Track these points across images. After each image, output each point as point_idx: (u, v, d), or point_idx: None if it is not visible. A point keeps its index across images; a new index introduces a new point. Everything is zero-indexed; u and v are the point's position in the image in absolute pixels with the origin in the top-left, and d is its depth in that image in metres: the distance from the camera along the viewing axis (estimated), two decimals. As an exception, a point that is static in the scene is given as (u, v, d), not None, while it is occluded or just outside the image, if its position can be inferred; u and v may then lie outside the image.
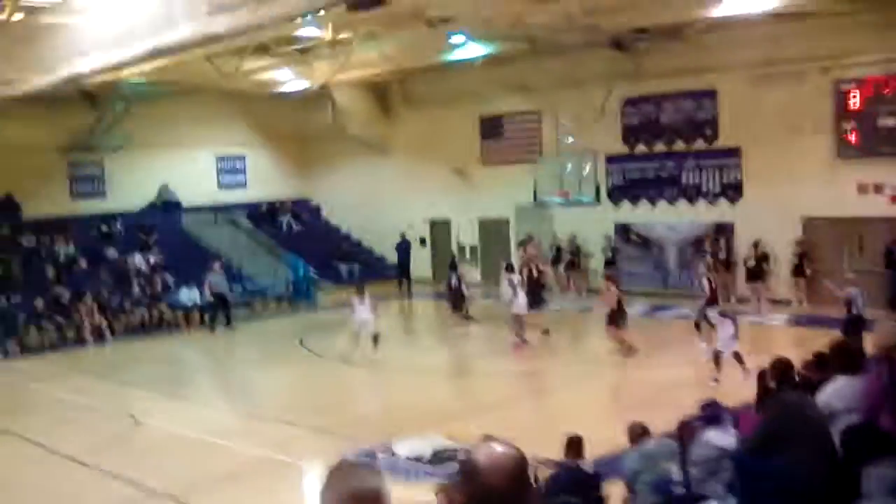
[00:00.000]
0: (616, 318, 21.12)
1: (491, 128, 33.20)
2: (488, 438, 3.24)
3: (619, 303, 21.24)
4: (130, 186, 34.86)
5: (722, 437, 9.80)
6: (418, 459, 14.40)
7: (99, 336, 27.49)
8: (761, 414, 8.64)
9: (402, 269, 34.99)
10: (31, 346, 26.88)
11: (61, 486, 14.04)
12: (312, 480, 14.57)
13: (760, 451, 7.85)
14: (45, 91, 25.65)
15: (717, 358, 17.75)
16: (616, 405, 17.53)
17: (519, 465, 3.19)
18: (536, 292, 23.48)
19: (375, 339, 21.90)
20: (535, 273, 23.88)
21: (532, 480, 4.88)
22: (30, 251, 31.03)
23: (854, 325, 17.23)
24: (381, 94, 35.92)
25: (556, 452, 10.76)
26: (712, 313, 19.66)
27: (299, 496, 13.89)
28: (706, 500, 8.75)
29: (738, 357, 17.53)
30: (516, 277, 23.01)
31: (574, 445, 10.43)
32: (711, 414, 10.30)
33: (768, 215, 25.98)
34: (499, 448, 3.25)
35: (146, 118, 32.60)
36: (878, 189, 24.24)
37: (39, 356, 25.88)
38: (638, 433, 10.52)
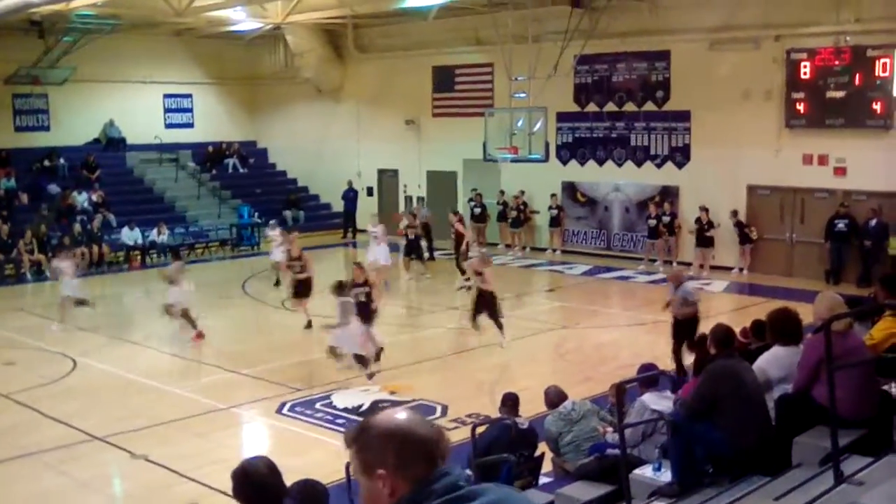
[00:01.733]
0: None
1: (443, 79, 32.99)
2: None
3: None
4: (75, 121, 34.26)
5: (658, 401, 9.90)
6: (355, 410, 14.44)
7: (38, 273, 27.12)
8: (698, 378, 8.73)
9: (349, 218, 34.86)
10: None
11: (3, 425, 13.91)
12: (248, 428, 14.58)
13: (695, 416, 7.92)
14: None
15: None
16: (555, 366, 17.62)
17: None
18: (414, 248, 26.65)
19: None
20: (410, 236, 26.59)
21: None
22: (-32, 184, 30.46)
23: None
24: (334, 39, 35.48)
25: (493, 410, 10.85)
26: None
27: (235, 443, 13.86)
28: (642, 464, 8.82)
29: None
30: (379, 228, 25.55)
31: (509, 402, 10.49)
32: (648, 377, 10.40)
33: (715, 181, 26.18)
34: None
35: (94, 52, 31.97)
36: (823, 161, 24.48)
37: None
38: (554, 397, 10.57)
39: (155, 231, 29.92)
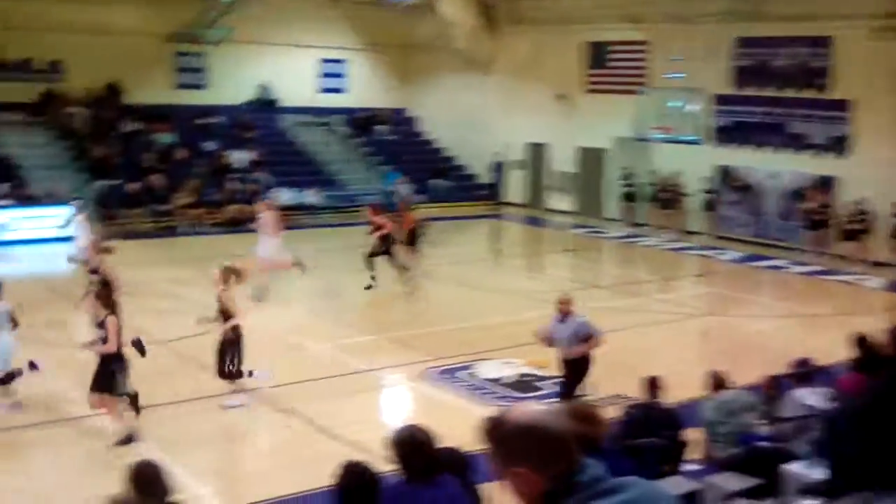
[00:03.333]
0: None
1: (597, 55, 32.61)
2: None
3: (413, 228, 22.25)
4: (232, 81, 35.10)
5: (812, 397, 9.65)
6: (498, 381, 14.47)
7: (193, 227, 27.96)
8: (873, 378, 8.43)
9: (495, 191, 34.91)
10: (127, 231, 27.41)
11: (156, 369, 14.35)
12: (391, 392, 14.77)
13: (861, 417, 7.67)
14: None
15: None
16: (701, 352, 17.35)
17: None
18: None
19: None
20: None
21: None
22: (130, 137, 31.49)
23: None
24: (487, 10, 35.44)
25: (637, 392, 10.73)
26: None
27: (378, 405, 14.05)
28: (793, 459, 8.62)
29: None
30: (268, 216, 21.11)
31: (652, 385, 10.36)
32: (803, 371, 10.15)
33: (877, 173, 25.20)
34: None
35: (252, 14, 32.65)
36: None
37: (135, 241, 26.41)
38: (716, 383, 10.42)
39: (308, 192, 30.61)
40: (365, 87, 38.23)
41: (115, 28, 31.66)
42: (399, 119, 38.73)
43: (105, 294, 11.66)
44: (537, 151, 34.90)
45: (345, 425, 12.15)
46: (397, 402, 14.54)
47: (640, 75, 30.82)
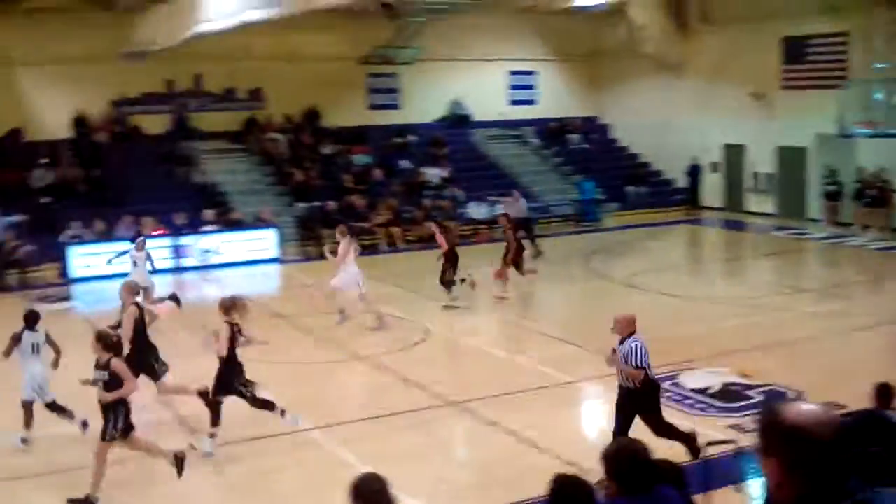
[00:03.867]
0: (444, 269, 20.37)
1: (793, 50, 31.48)
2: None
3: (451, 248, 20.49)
4: (424, 99, 35.68)
5: None
6: (704, 391, 14.08)
7: (391, 244, 28.44)
8: None
9: (692, 195, 34.21)
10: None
11: (364, 387, 14.65)
12: (594, 403, 14.56)
13: None
14: (345, 3, 26.52)
15: None
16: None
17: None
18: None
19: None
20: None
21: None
22: (329, 159, 32.34)
23: None
24: (677, 11, 34.81)
25: (853, 401, 10.24)
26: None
27: (575, 416, 13.90)
28: None
29: None
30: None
31: (883, 394, 9.81)
32: None
33: None
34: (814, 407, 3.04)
35: (441, 31, 33.14)
36: None
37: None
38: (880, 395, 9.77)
39: (500, 206, 30.58)
40: (555, 97, 38.17)
41: (310, 55, 32.71)
42: (591, 127, 38.45)
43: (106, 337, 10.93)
44: (734, 153, 33.98)
45: (551, 438, 12.04)
46: (601, 414, 14.32)
47: (842, 68, 29.57)
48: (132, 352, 12.48)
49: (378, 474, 5.61)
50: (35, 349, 12.45)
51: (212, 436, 11.92)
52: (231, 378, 12.04)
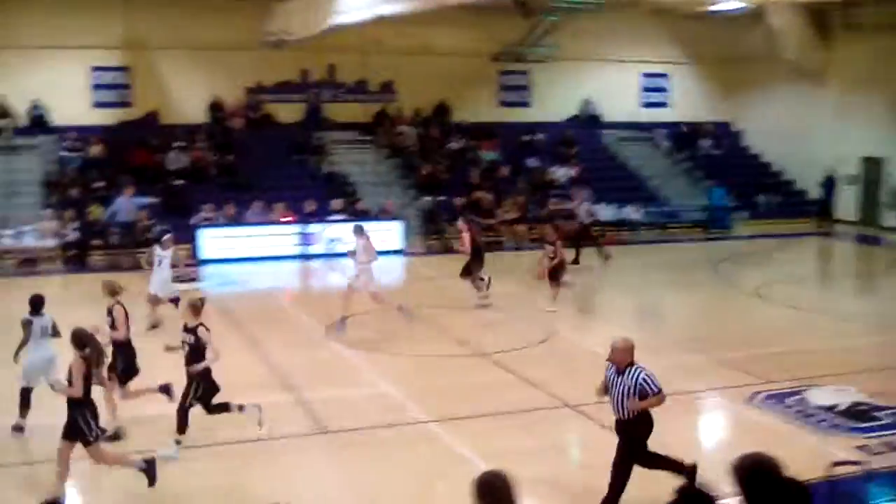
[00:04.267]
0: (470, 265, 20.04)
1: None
2: None
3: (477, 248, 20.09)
4: (554, 98, 35.52)
5: None
6: (831, 409, 13.65)
7: (516, 242, 28.38)
8: None
9: (824, 208, 33.31)
10: (451, 245, 28.24)
11: (484, 383, 14.60)
12: (716, 415, 14.27)
13: None
14: (478, 0, 26.56)
15: None
16: None
17: None
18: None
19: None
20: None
21: None
22: (457, 154, 32.41)
23: None
24: (820, 18, 33.86)
25: None
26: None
27: (694, 426, 13.63)
28: None
29: None
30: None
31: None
32: None
33: None
34: None
35: (574, 31, 32.89)
36: None
37: (459, 256, 27.15)
38: None
39: (630, 208, 30.48)
40: (687, 101, 37.60)
41: (442, 49, 32.83)
42: (723, 132, 37.73)
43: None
44: (873, 165, 32.95)
45: (668, 446, 11.80)
46: (724, 426, 14.03)
47: None
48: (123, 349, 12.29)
49: (502, 472, 5.55)
50: (44, 333, 12.30)
51: (178, 442, 11.42)
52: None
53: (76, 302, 18.06)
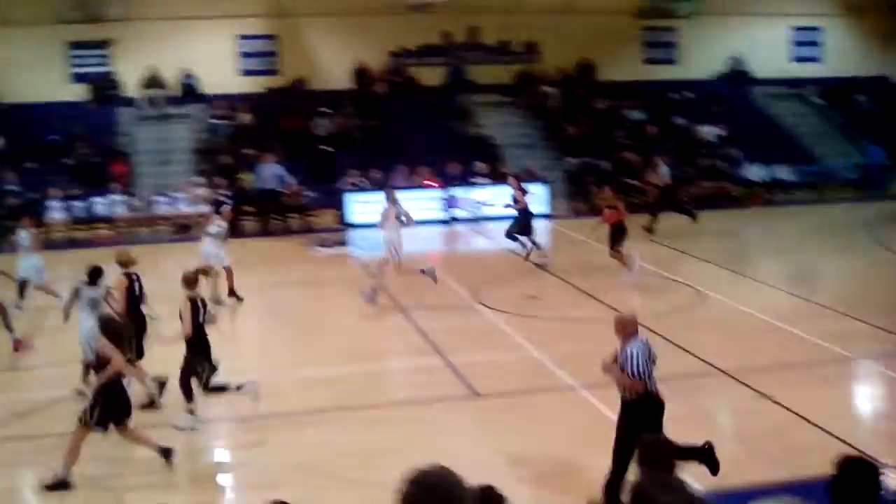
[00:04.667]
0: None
1: None
2: None
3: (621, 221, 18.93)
4: (701, 54, 34.70)
5: None
6: None
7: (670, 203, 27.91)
8: None
9: None
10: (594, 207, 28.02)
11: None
12: (872, 382, 13.81)
13: None
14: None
15: None
16: None
17: None
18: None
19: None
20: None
21: None
22: (602, 114, 31.99)
23: None
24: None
25: None
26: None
27: (850, 393, 13.22)
28: None
29: None
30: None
31: None
32: None
33: None
34: None
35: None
36: None
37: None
38: None
39: (781, 168, 29.73)
40: (842, 55, 36.12)
41: (586, 7, 32.39)
42: (881, 87, 36.17)
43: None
44: None
45: (823, 414, 11.46)
46: (879, 392, 13.55)
47: None
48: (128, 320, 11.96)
49: (663, 436, 5.48)
50: (93, 304, 12.34)
51: (190, 412, 11.56)
52: (197, 357, 11.50)
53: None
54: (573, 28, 32.37)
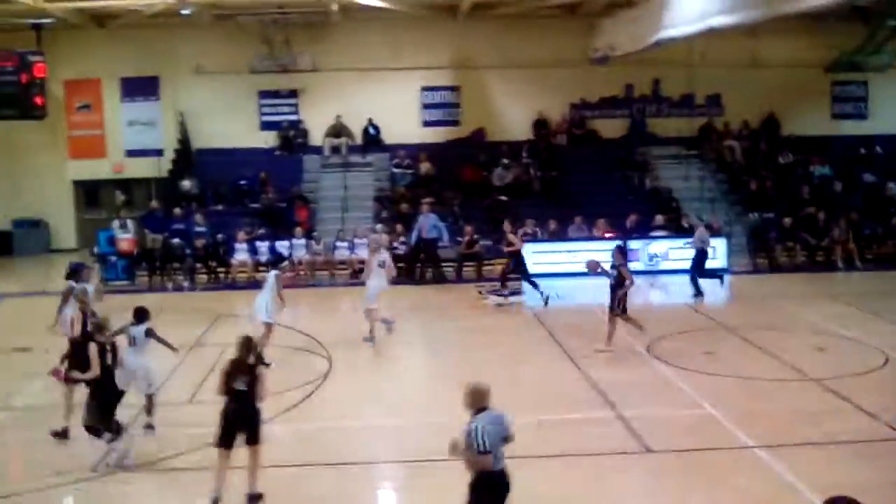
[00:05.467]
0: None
1: None
2: None
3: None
4: (894, 109, 33.41)
5: None
6: None
7: (849, 262, 26.95)
8: None
9: None
10: (780, 264, 27.31)
11: (812, 409, 13.90)
12: None
13: None
14: (816, 6, 25.31)
15: None
16: None
17: None
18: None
19: None
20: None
21: None
22: (786, 169, 31.17)
23: None
24: None
25: None
26: None
27: None
28: None
29: None
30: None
31: None
32: None
33: None
34: None
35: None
36: None
37: (787, 275, 26.25)
38: None
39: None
40: None
41: (771, 60, 31.85)
42: None
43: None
44: None
45: None
46: None
47: None
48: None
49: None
50: (138, 343, 12.95)
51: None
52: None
53: (400, 315, 18.76)
54: (758, 81, 31.83)
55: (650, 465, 11.80)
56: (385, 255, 19.42)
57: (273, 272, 17.56)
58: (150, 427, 12.91)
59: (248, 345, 10.90)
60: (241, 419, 10.50)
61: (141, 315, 13.27)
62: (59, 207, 32.98)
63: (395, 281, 19.98)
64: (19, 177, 32.30)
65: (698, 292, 22.86)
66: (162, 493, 11.10)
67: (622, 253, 18.64)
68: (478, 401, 8.21)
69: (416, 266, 26.43)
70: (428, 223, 26.52)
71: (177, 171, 31.08)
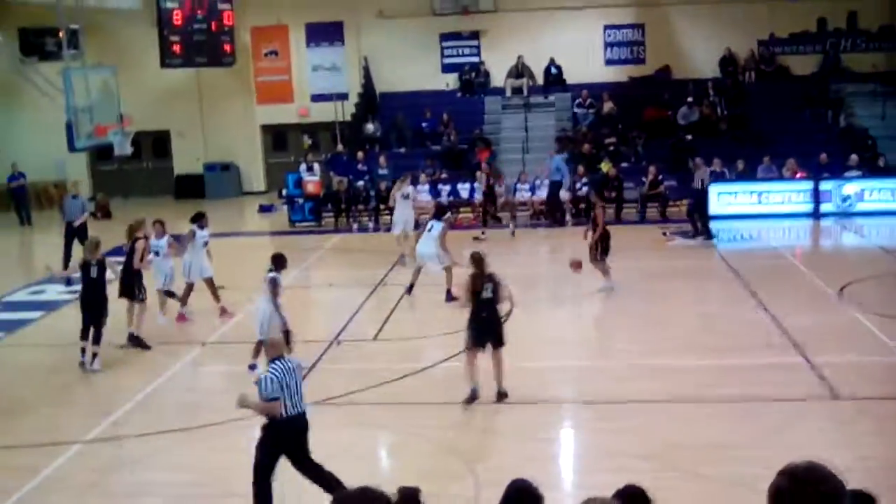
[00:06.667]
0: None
1: None
2: None
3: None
4: None
5: None
6: None
7: None
8: None
9: None
10: None
11: None
12: None
13: None
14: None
15: None
16: None
17: None
18: None
19: None
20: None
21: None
22: None
23: None
24: None
25: None
26: None
27: None
28: None
29: None
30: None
31: None
32: None
33: None
34: None
35: None
36: None
37: None
38: None
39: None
40: None
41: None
42: None
43: None
44: None
45: None
46: None
47: None
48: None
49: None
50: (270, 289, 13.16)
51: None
52: None
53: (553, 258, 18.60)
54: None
55: (835, 414, 11.41)
56: (409, 188, 20.22)
57: (436, 222, 17.30)
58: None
59: (479, 259, 11.82)
60: (489, 325, 11.54)
61: (281, 262, 13.47)
62: (248, 151, 34.00)
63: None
64: (210, 123, 33.46)
65: None
66: (342, 425, 11.37)
67: (599, 194, 18.80)
68: (269, 351, 9.00)
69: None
70: (552, 165, 26.18)
71: (360, 114, 31.53)
